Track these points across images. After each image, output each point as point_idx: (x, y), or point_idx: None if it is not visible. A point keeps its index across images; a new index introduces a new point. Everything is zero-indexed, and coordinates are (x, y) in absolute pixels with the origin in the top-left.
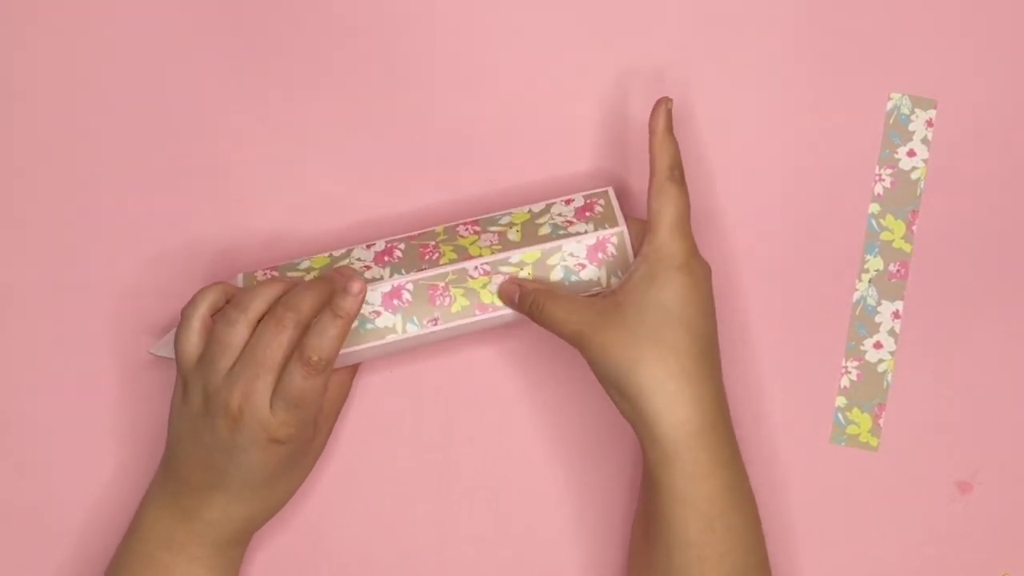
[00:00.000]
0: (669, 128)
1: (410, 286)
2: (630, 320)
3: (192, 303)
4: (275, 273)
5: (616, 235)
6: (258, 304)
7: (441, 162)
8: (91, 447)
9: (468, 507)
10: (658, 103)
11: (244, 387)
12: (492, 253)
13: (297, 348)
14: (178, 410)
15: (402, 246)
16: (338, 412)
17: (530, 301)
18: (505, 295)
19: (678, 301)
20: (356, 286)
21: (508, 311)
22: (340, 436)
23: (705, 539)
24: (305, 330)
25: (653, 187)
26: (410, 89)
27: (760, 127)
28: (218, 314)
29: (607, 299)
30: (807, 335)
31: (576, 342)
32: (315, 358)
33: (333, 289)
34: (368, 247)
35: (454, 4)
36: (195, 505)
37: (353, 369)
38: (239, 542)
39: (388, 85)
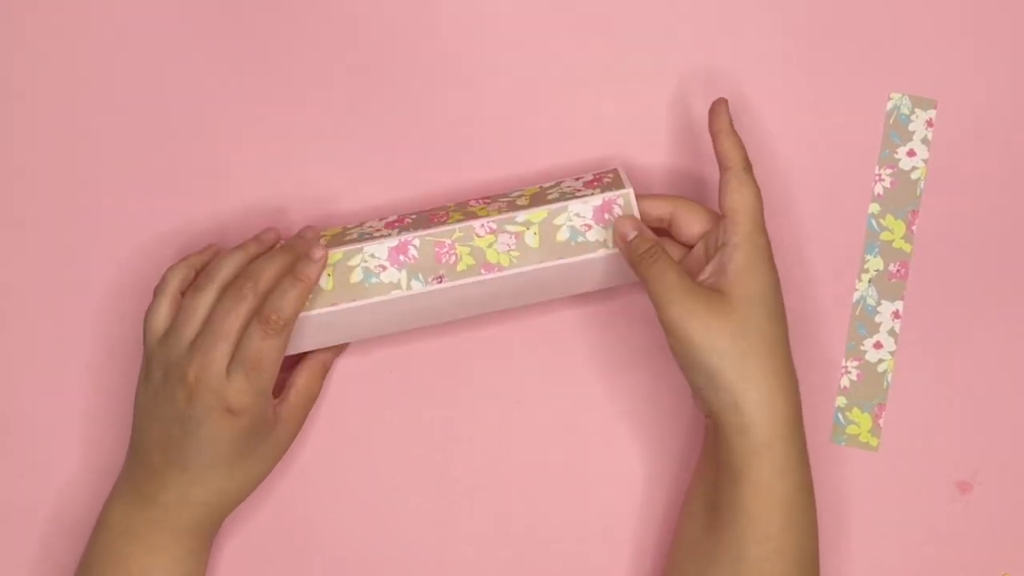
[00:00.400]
0: (732, 125)
1: (416, 242)
2: (738, 311)
3: (162, 280)
4: None
5: (623, 196)
6: (226, 271)
7: (442, 161)
8: (91, 447)
9: (468, 507)
10: (716, 104)
11: (202, 356)
12: (500, 213)
13: (257, 311)
14: (142, 387)
15: (413, 216)
16: (307, 408)
17: (648, 248)
18: (620, 228)
19: (774, 295)
20: (317, 252)
21: (513, 271)
22: (338, 434)
23: (785, 533)
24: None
25: (731, 181)
26: (411, 88)
27: (760, 127)
28: (190, 285)
29: (707, 287)
30: (807, 335)
31: (673, 316)
32: (274, 316)
33: (296, 256)
34: (380, 219)
35: (454, 2)
36: (153, 490)
37: (325, 366)
38: (199, 533)
39: (388, 84)
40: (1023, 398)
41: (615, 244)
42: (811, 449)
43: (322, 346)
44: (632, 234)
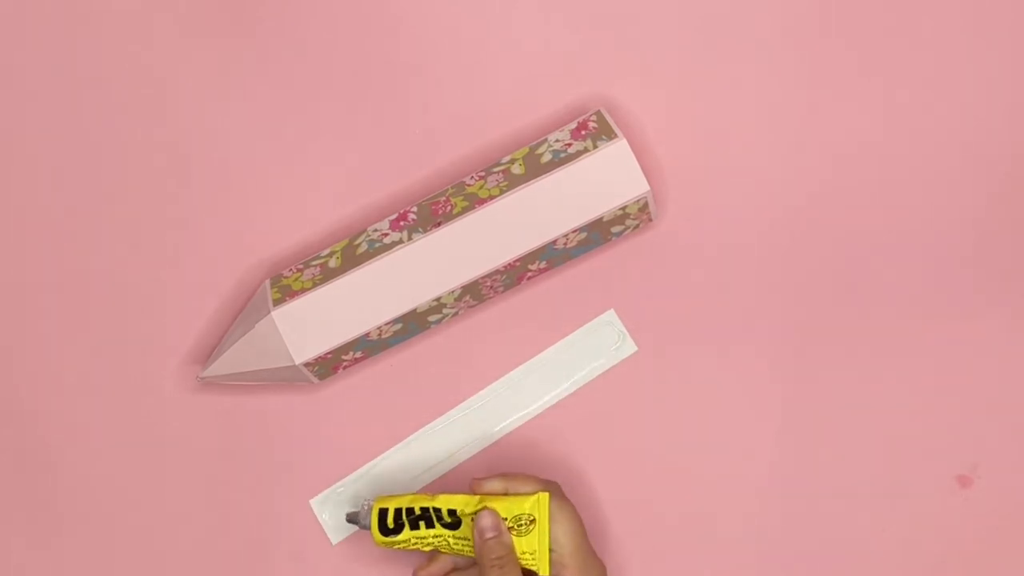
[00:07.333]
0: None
1: (415, 208)
2: None
3: None
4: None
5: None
6: None
7: (443, 156)
8: (92, 448)
9: None
10: (475, 481)
11: None
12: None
13: None
14: None
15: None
16: None
17: (500, 555)
18: (481, 524)
19: None
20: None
21: (504, 200)
22: (347, 434)
23: None
24: None
25: (551, 510)
26: (409, 83)
27: (760, 127)
28: None
29: None
30: (807, 334)
31: None
32: None
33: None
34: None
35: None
36: None
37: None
38: None
39: (388, 82)
40: (1022, 392)
41: (474, 536)
42: (811, 450)
43: (348, 336)
44: (490, 534)
